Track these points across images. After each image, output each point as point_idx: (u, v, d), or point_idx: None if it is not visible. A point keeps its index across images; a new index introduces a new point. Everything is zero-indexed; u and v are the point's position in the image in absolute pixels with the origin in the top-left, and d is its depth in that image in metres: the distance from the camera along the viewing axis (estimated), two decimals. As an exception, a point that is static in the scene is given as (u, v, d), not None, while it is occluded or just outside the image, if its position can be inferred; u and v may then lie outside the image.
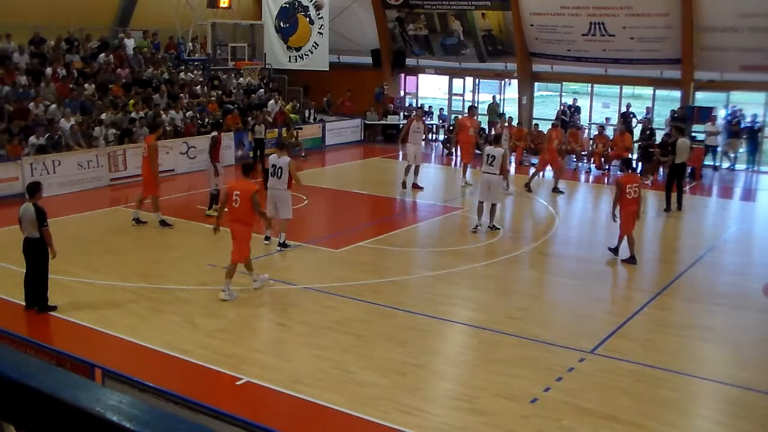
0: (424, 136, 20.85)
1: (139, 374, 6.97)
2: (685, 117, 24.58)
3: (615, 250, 14.09)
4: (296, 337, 10.21)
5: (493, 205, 15.79)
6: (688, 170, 23.35)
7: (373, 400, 8.25)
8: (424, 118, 22.41)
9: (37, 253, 10.63)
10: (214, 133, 17.01)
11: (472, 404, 8.26)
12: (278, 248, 14.37)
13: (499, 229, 15.70)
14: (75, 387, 1.24)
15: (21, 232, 10.73)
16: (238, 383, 8.69)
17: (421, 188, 20.00)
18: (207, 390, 8.64)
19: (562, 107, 27.88)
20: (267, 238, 14.52)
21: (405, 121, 29.71)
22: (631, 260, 13.80)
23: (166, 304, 11.24)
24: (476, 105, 23.11)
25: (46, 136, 19.24)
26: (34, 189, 10.77)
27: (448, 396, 8.65)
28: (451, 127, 28.28)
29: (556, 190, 20.24)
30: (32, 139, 18.98)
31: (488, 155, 15.63)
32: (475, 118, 21.92)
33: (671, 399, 8.55)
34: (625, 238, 13.89)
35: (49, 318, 10.62)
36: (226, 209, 12.09)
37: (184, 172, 22.08)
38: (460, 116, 25.68)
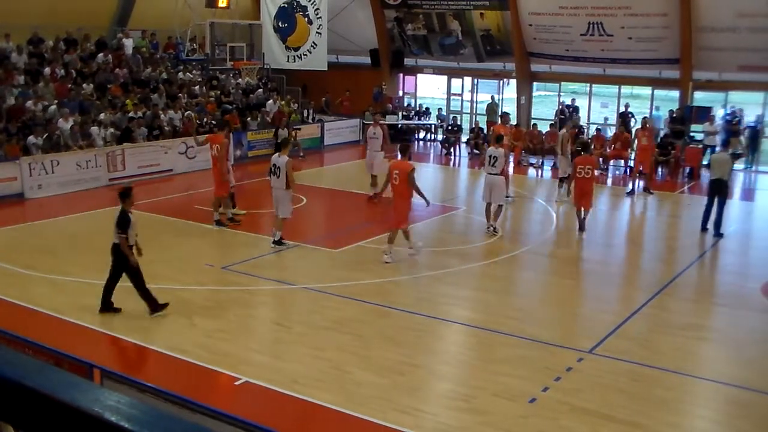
0: (381, 142, 19.20)
1: (137, 374, 6.97)
2: (684, 117, 24.63)
3: (581, 226, 15.72)
4: (295, 337, 10.21)
5: (499, 206, 15.81)
6: (687, 170, 23.46)
7: (372, 399, 8.25)
8: (382, 121, 20.74)
9: (118, 259, 10.53)
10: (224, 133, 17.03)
11: (470, 404, 8.26)
12: (272, 246, 14.37)
13: (497, 232, 15.66)
14: (73, 387, 1.25)
15: None
16: (236, 383, 8.69)
17: (375, 200, 18.16)
18: (206, 390, 8.65)
19: (560, 107, 27.90)
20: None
21: (404, 122, 29.90)
22: (580, 228, 15.76)
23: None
24: (507, 112, 22.10)
25: (45, 136, 19.23)
26: (124, 194, 10.59)
27: (446, 396, 8.65)
28: (450, 127, 28.30)
29: (646, 190, 20.39)
30: (31, 138, 18.97)
31: (490, 156, 15.68)
32: (508, 125, 21.03)
33: (669, 399, 8.56)
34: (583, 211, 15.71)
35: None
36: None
37: (183, 172, 22.07)
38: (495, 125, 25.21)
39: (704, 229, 16.15)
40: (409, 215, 13.87)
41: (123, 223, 10.37)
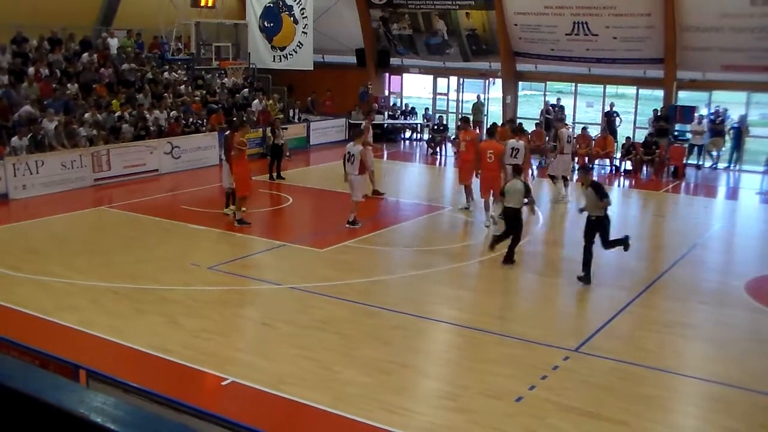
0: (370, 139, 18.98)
1: (123, 375, 6.93)
2: (668, 116, 24.76)
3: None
4: (281, 336, 10.19)
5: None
6: (671, 169, 23.59)
7: (358, 399, 8.25)
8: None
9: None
10: (228, 132, 17.05)
11: (456, 403, 8.28)
12: (346, 225, 15.56)
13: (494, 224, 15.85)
14: (59, 389, 1.25)
15: None
16: (223, 383, 8.67)
17: (381, 198, 18.87)
18: (192, 390, 8.63)
19: (546, 106, 27.99)
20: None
21: (390, 121, 29.90)
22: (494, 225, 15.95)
23: (150, 305, 11.19)
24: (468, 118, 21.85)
25: (29, 136, 19.10)
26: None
27: (433, 395, 8.66)
28: (436, 126, 28.31)
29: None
30: (14, 139, 18.83)
31: (512, 148, 16.43)
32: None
33: (655, 396, 8.61)
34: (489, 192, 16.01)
35: (34, 319, 10.56)
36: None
37: (169, 172, 22.00)
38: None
39: None
40: (500, 184, 14.95)
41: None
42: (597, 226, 12.47)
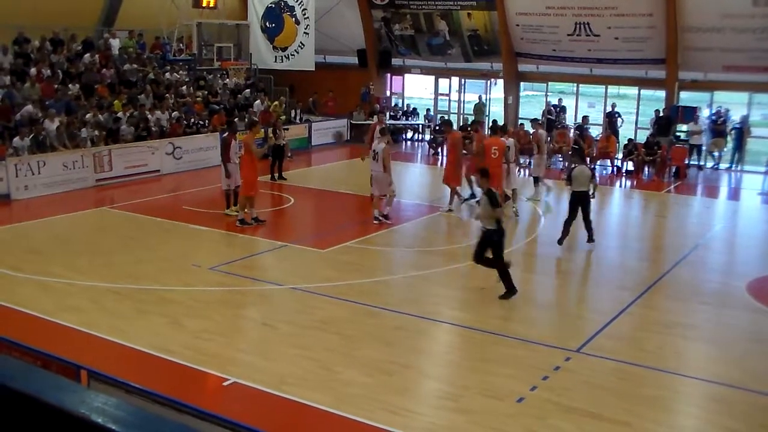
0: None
1: (125, 375, 6.94)
2: (670, 117, 24.74)
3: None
4: (282, 337, 10.20)
5: (513, 192, 17.46)
6: (673, 169, 23.57)
7: (359, 399, 8.26)
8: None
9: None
10: (225, 134, 17.02)
11: (458, 403, 8.28)
12: (377, 219, 16.22)
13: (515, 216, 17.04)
14: (60, 389, 1.25)
15: None
16: (224, 384, 8.68)
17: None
18: (193, 391, 8.63)
19: (547, 107, 27.98)
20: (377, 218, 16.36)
21: (392, 122, 29.88)
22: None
23: (151, 305, 11.20)
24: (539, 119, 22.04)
25: (31, 136, 19.12)
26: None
27: (434, 395, 8.66)
28: (437, 127, 28.30)
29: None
30: (16, 140, 18.85)
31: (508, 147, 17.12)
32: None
33: (656, 397, 8.61)
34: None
35: (36, 320, 10.57)
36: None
37: (170, 172, 22.02)
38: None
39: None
40: (501, 179, 16.25)
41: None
42: (487, 241, 11.70)
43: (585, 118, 25.16)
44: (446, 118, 24.96)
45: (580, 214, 14.56)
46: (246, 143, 15.92)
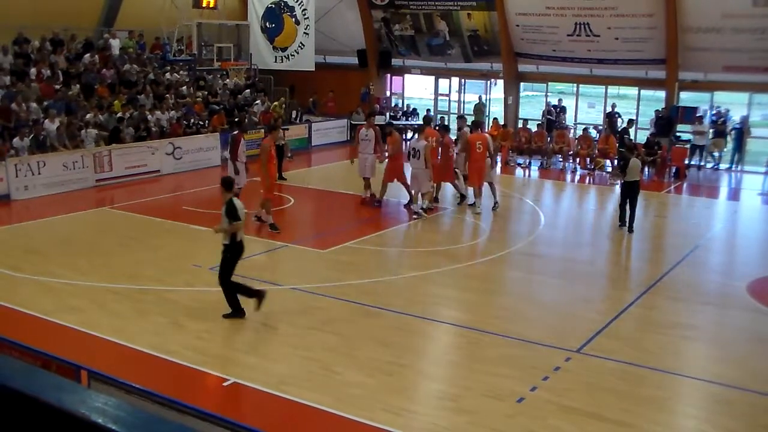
0: (374, 144, 18.51)
1: (125, 376, 6.94)
2: (670, 117, 24.74)
3: (468, 201, 17.68)
4: (282, 337, 10.20)
5: (490, 184, 17.85)
6: (673, 170, 23.60)
7: (360, 400, 8.26)
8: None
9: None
10: (235, 132, 17.01)
11: (458, 404, 8.28)
12: (417, 214, 16.84)
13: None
14: (60, 389, 1.25)
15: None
16: (224, 384, 8.68)
17: (377, 205, 18.25)
18: (194, 391, 8.63)
19: (547, 107, 27.97)
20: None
21: (392, 122, 29.83)
22: (495, 207, 17.68)
23: (151, 305, 11.20)
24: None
25: (31, 136, 19.12)
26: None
27: (434, 396, 8.66)
28: (437, 127, 28.25)
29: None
30: (16, 140, 18.85)
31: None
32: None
33: (657, 397, 8.60)
34: (485, 187, 17.35)
35: (35, 319, 10.57)
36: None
37: (170, 173, 22.01)
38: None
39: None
40: (483, 175, 17.23)
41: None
42: (222, 257, 10.53)
43: (630, 121, 25.18)
44: (427, 114, 25.16)
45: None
46: (266, 146, 15.84)
